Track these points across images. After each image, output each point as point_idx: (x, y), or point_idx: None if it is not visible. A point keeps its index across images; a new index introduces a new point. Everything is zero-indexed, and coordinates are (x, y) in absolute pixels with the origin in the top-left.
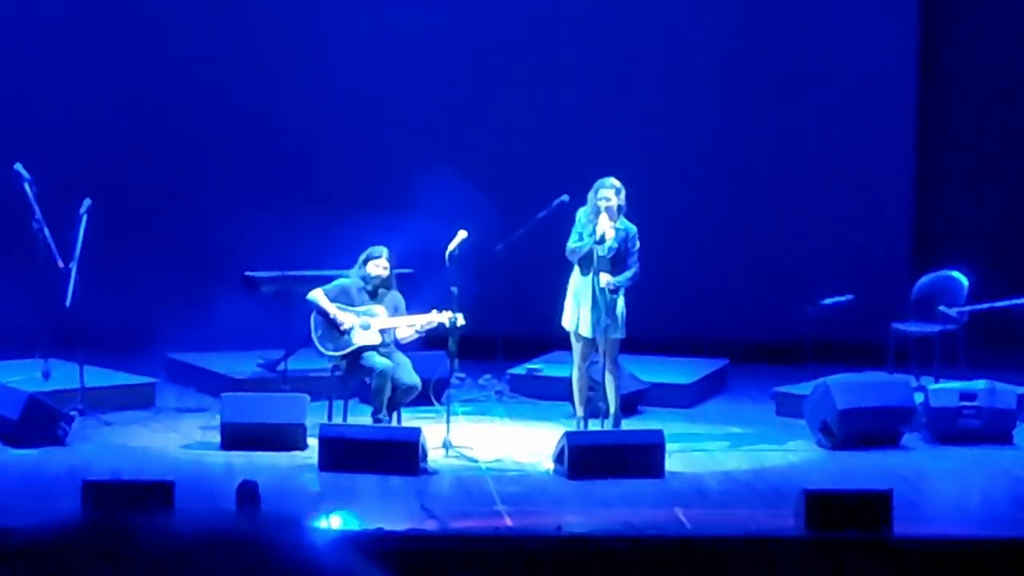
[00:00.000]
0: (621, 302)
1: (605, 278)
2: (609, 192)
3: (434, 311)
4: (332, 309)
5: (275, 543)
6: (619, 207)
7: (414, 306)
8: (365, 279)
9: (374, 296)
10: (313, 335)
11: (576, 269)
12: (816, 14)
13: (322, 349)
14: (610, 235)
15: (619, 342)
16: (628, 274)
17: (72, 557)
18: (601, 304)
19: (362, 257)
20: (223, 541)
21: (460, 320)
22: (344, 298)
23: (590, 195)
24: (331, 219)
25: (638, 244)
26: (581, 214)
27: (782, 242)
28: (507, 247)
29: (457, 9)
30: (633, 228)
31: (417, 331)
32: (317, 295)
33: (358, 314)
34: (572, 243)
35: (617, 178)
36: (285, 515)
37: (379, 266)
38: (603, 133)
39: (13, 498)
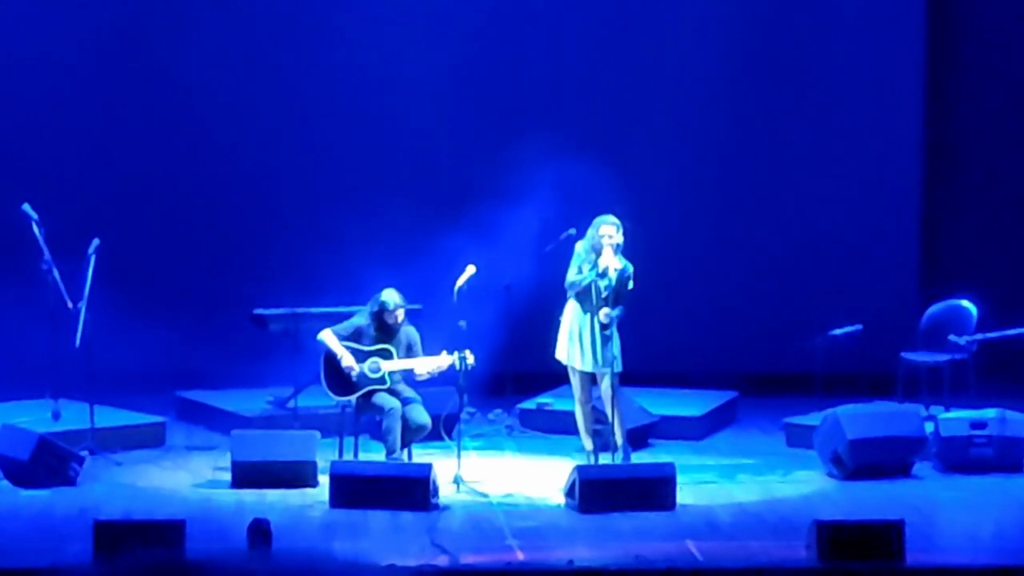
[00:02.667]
0: (617, 336)
1: (605, 312)
2: (611, 229)
3: (444, 353)
4: (340, 351)
5: None
6: (618, 244)
7: (425, 341)
8: (379, 322)
9: (389, 334)
10: (321, 378)
11: (571, 303)
12: (823, 43)
13: (330, 393)
14: (612, 271)
15: (618, 375)
16: (618, 310)
17: None
18: (601, 339)
19: (376, 307)
20: None
21: (469, 359)
22: (357, 338)
23: (590, 230)
24: (339, 256)
25: (632, 284)
26: (580, 247)
27: (790, 273)
28: (515, 282)
29: (461, 52)
30: (630, 267)
31: (429, 373)
32: (326, 336)
33: (369, 355)
34: (572, 276)
35: (623, 209)
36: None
37: (395, 316)
38: (608, 165)
39: (24, 539)
